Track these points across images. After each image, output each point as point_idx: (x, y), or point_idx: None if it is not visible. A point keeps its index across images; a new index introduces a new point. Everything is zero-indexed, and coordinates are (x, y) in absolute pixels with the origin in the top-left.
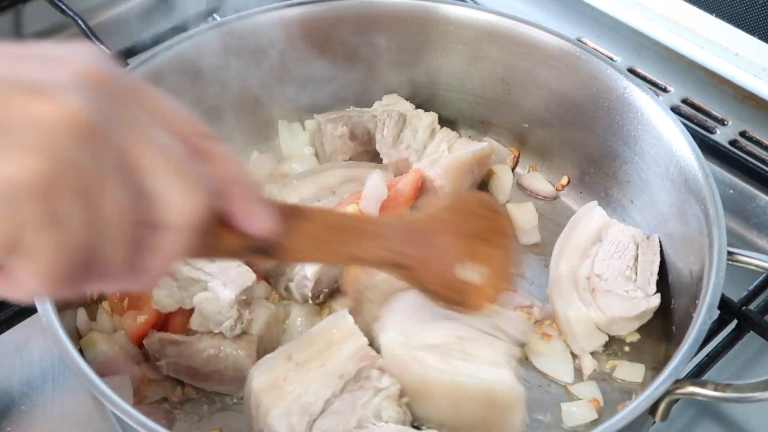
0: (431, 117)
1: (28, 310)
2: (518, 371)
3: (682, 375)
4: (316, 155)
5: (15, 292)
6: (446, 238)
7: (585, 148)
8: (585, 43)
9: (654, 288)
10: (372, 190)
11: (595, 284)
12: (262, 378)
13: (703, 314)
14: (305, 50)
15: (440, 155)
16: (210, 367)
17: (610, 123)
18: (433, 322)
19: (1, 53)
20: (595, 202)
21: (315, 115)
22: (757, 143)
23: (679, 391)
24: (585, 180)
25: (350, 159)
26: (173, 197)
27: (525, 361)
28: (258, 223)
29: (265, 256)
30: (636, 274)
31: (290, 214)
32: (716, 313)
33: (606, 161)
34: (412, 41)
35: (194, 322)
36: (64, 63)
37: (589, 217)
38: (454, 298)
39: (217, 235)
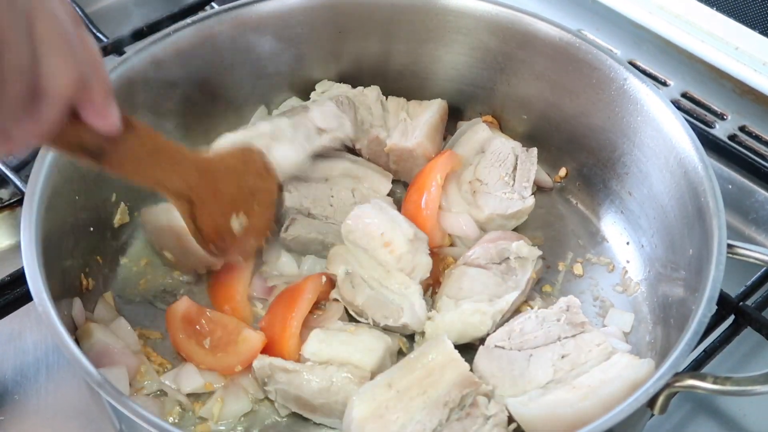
0: (375, 90)
1: (23, 299)
2: None
3: (679, 370)
4: None
5: None
6: (230, 187)
7: (584, 139)
8: (585, 36)
9: (529, 192)
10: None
11: (476, 188)
12: (364, 407)
13: (703, 306)
14: (302, 39)
15: (407, 125)
16: (320, 399)
17: (609, 114)
18: (529, 362)
19: None
20: (479, 119)
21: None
22: (757, 138)
23: (678, 384)
24: (583, 172)
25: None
26: (58, 69)
27: None
28: (107, 118)
29: (94, 158)
30: (514, 180)
31: (125, 123)
32: (714, 307)
33: (605, 153)
34: (411, 31)
35: (307, 350)
36: None
37: (473, 130)
38: (219, 243)
39: (68, 124)
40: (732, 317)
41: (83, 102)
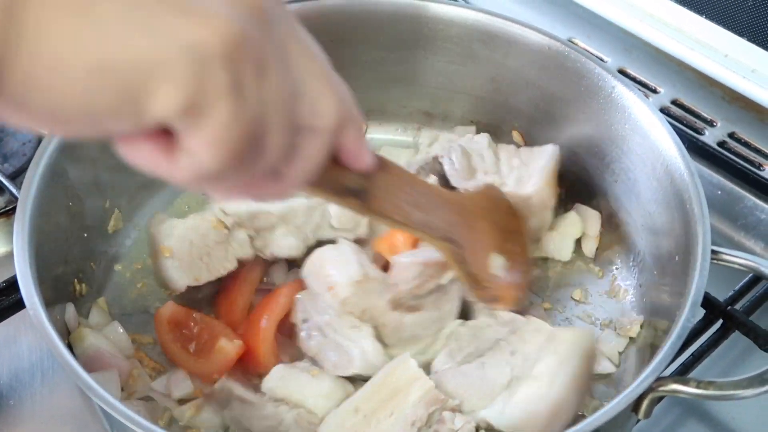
0: (486, 138)
1: (17, 305)
2: None
3: (667, 374)
4: None
5: (179, 169)
6: (485, 224)
7: (573, 147)
8: (576, 44)
9: None
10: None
11: None
12: None
13: (686, 312)
14: None
15: (521, 172)
16: None
17: (598, 122)
18: (484, 369)
19: None
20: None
21: None
22: (746, 144)
23: (661, 388)
24: (572, 179)
25: None
26: (321, 101)
27: None
28: (363, 158)
29: (359, 198)
30: None
31: (379, 162)
32: (700, 311)
33: (594, 161)
34: (401, 40)
35: (266, 385)
36: None
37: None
38: (488, 289)
39: (328, 165)
40: (720, 321)
41: (342, 140)
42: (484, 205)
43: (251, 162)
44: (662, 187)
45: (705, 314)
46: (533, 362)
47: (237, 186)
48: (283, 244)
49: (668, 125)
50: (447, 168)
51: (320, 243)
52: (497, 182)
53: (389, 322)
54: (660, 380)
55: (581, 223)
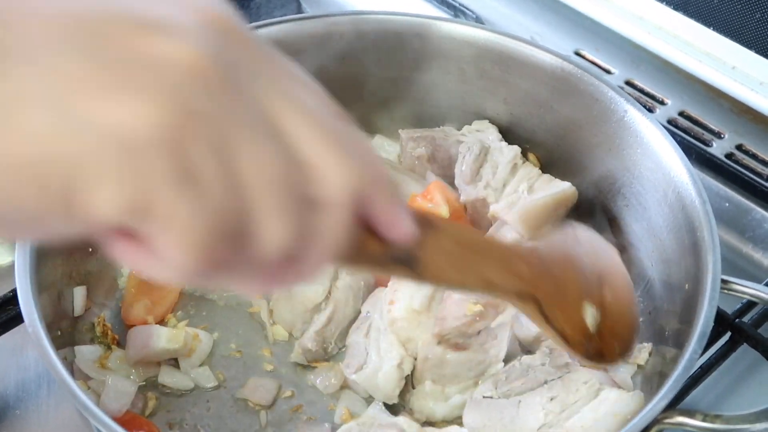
0: (514, 151)
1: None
2: None
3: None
4: None
5: (163, 268)
6: (569, 270)
7: (585, 171)
8: (583, 56)
9: None
10: None
11: None
12: None
13: (693, 344)
14: (307, 66)
15: (519, 196)
16: None
17: (611, 146)
18: (518, 408)
19: None
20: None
21: (400, 131)
22: (753, 157)
23: (666, 420)
24: (584, 203)
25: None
26: (330, 167)
27: None
28: (400, 228)
29: (407, 268)
30: None
31: (423, 222)
32: (704, 343)
33: (605, 184)
34: (413, 58)
35: None
36: (186, 2)
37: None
38: (584, 344)
39: (359, 237)
40: (728, 334)
41: (369, 211)
42: (567, 251)
43: (244, 254)
44: (673, 214)
45: (713, 327)
46: (570, 414)
47: (250, 278)
48: None
49: (681, 152)
50: (457, 164)
51: None
52: (490, 199)
53: (432, 356)
54: (665, 412)
55: None
